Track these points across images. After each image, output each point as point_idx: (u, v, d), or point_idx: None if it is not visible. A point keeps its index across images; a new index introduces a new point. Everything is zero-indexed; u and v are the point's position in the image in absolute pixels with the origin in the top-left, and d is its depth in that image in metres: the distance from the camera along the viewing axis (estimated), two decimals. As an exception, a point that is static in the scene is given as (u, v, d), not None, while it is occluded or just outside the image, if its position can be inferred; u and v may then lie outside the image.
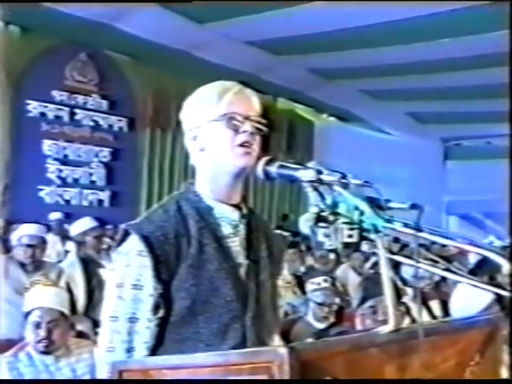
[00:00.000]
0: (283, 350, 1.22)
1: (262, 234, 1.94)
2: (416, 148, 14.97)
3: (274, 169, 1.74)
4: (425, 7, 7.88)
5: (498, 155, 14.51)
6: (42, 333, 3.39)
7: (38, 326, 3.42)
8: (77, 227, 6.74)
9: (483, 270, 6.18)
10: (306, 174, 1.67)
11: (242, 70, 10.28)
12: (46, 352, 3.39)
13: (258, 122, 1.82)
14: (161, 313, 1.73)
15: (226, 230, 1.84)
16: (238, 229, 1.86)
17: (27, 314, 3.48)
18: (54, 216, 8.96)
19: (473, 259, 7.40)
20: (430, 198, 14.17)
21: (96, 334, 4.62)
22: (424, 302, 5.50)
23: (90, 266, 5.86)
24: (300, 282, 6.47)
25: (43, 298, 3.59)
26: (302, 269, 7.47)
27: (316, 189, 1.67)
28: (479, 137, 15.47)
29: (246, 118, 1.80)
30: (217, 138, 1.80)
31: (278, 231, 7.96)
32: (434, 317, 5.57)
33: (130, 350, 1.72)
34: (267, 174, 1.75)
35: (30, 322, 3.44)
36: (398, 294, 3.71)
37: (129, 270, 1.74)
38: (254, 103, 1.85)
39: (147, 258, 1.72)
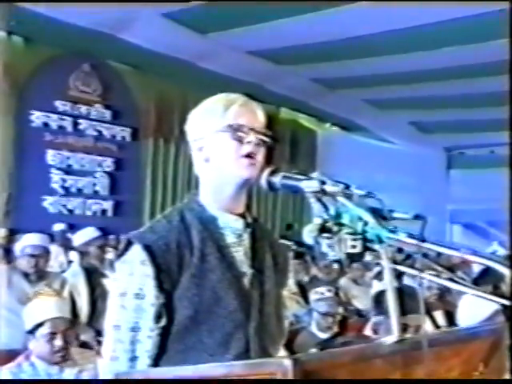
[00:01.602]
0: (287, 362, 1.22)
1: (266, 243, 1.95)
2: (419, 157, 14.95)
3: (277, 179, 1.75)
4: (427, 16, 7.89)
5: (502, 164, 14.48)
6: (59, 343, 3.37)
7: (53, 336, 3.40)
8: (80, 237, 6.73)
9: (487, 279, 6.16)
10: (309, 185, 1.68)
11: (245, 79, 10.30)
12: (62, 362, 3.37)
13: (263, 134, 1.84)
14: (163, 322, 1.74)
15: (230, 239, 1.85)
16: (242, 238, 1.87)
17: (37, 326, 3.46)
18: (58, 227, 8.97)
19: (477, 268, 7.36)
20: (434, 207, 14.15)
21: (99, 343, 4.62)
22: (428, 311, 5.48)
23: (93, 276, 5.85)
24: (303, 291, 6.45)
25: (53, 309, 3.57)
26: (306, 278, 7.46)
27: (319, 199, 1.68)
28: (482, 146, 15.46)
29: (251, 129, 1.82)
30: (222, 149, 1.82)
31: (281, 241, 7.96)
32: (437, 327, 5.56)
33: (133, 359, 1.73)
34: (271, 185, 1.77)
35: (42, 334, 3.41)
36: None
37: (131, 279, 1.74)
38: (258, 115, 1.87)
39: (149, 268, 1.73)
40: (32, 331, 3.45)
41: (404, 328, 3.38)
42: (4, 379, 3.32)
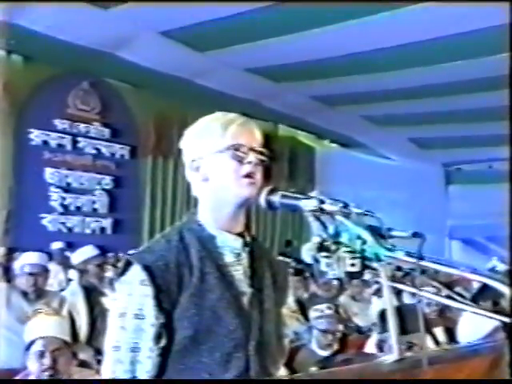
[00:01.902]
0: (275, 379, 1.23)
1: (265, 262, 1.96)
2: (418, 173, 14.96)
3: (276, 198, 1.78)
4: (425, 32, 7.92)
5: (500, 179, 14.49)
6: (47, 362, 3.38)
7: (42, 355, 3.40)
8: (79, 256, 6.72)
9: (486, 295, 6.15)
10: (308, 204, 1.70)
11: (244, 97, 10.34)
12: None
13: (262, 153, 1.86)
14: (163, 342, 1.74)
15: (229, 258, 1.86)
16: (240, 257, 1.88)
17: (30, 344, 3.47)
18: (57, 245, 8.96)
19: (476, 284, 7.36)
20: (433, 222, 14.15)
21: (99, 362, 4.61)
22: (428, 328, 5.47)
23: (92, 295, 5.84)
24: (303, 309, 6.44)
25: (46, 327, 3.58)
26: (306, 295, 7.44)
27: (318, 218, 1.70)
28: (481, 161, 15.48)
29: (251, 149, 1.84)
30: (222, 169, 1.83)
31: (280, 258, 7.96)
32: (437, 343, 5.54)
33: None
34: (270, 204, 1.79)
35: (33, 352, 3.43)
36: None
37: (131, 299, 1.75)
38: (256, 134, 1.89)
39: (149, 288, 1.73)
40: (27, 349, 3.47)
41: (409, 346, 3.38)
42: (4, 379, 3.33)
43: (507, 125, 10.58)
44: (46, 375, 3.36)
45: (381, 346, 3.77)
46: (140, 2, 7.34)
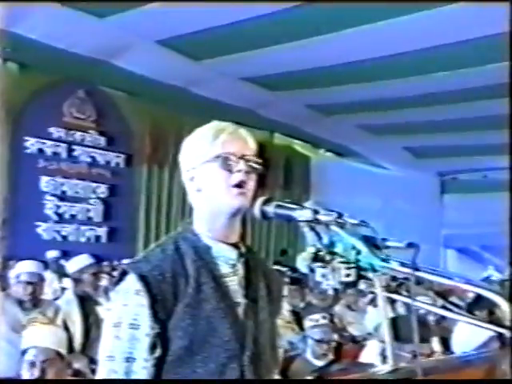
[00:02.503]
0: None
1: (260, 272, 1.95)
2: (413, 182, 14.98)
3: (271, 209, 1.78)
4: (421, 41, 7.94)
5: (495, 188, 14.53)
6: (36, 372, 3.37)
7: (32, 365, 3.40)
8: (74, 265, 6.71)
9: (482, 305, 6.17)
10: (302, 214, 1.71)
11: (239, 105, 10.35)
12: None
13: (254, 161, 1.85)
14: (158, 352, 1.74)
15: (224, 269, 1.86)
16: (236, 268, 1.88)
17: (23, 353, 3.47)
18: (51, 254, 8.94)
19: (471, 294, 7.38)
20: (428, 231, 14.18)
21: (93, 372, 4.59)
22: (429, 337, 5.48)
23: (86, 304, 5.84)
24: (298, 318, 6.43)
25: (39, 337, 3.58)
26: (301, 305, 7.44)
27: (313, 228, 1.71)
28: (476, 170, 15.51)
29: (241, 157, 1.82)
30: (212, 179, 1.83)
31: (276, 267, 7.97)
32: (433, 352, 5.54)
33: None
34: (264, 214, 1.79)
35: (25, 361, 3.42)
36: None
37: (126, 309, 1.74)
38: (249, 142, 1.88)
39: (144, 298, 1.73)
40: (22, 357, 3.48)
41: (414, 355, 3.38)
42: (4, 379, 3.33)
43: (503, 134, 10.61)
44: None
45: (384, 355, 3.77)
46: (136, 11, 7.34)
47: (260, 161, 1.86)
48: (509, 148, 10.80)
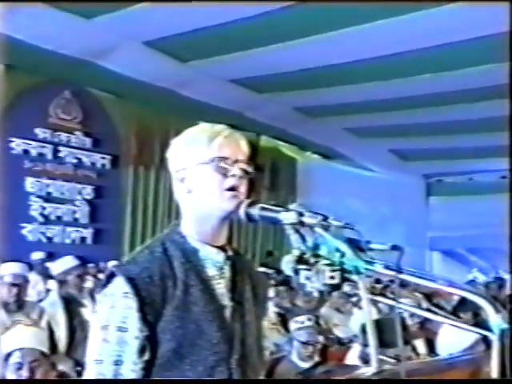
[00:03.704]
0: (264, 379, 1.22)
1: (246, 275, 1.95)
2: (398, 184, 15.02)
3: (256, 211, 1.77)
4: (406, 43, 7.97)
5: (481, 191, 14.62)
6: (25, 373, 3.35)
7: (19, 367, 3.38)
8: (58, 266, 6.68)
9: (466, 307, 6.19)
10: (287, 217, 1.70)
11: (226, 107, 10.33)
12: None
13: (247, 166, 1.84)
14: (146, 355, 1.72)
15: (211, 271, 1.85)
16: (222, 271, 1.87)
17: (8, 356, 3.44)
18: (37, 256, 8.89)
19: (456, 296, 7.41)
20: (414, 234, 14.23)
21: (78, 374, 4.57)
22: (409, 340, 5.48)
23: (71, 306, 5.80)
24: (284, 320, 6.42)
25: (23, 339, 3.56)
26: (288, 305, 7.44)
27: (297, 231, 1.70)
28: (461, 173, 15.58)
29: (235, 161, 1.82)
30: (205, 181, 1.82)
31: (262, 269, 7.97)
32: (418, 355, 5.56)
33: None
34: (249, 217, 1.78)
35: (11, 364, 3.40)
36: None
37: (114, 311, 1.72)
38: (243, 147, 1.87)
39: (132, 300, 1.71)
40: (5, 360, 3.44)
41: (397, 359, 3.38)
42: (4, 379, 3.31)
43: (489, 137, 10.67)
44: None
45: (364, 358, 3.78)
46: (123, 12, 7.33)
47: (253, 166, 1.85)
48: (509, 150, 10.81)
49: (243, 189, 1.82)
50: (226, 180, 1.80)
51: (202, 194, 1.82)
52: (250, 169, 1.84)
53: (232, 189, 1.80)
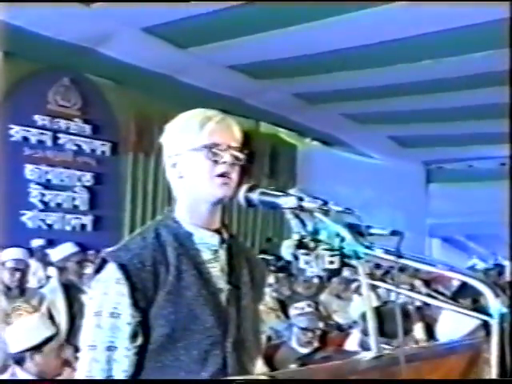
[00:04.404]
0: (264, 379, 1.22)
1: (243, 259, 1.94)
2: (398, 171, 15.01)
3: (255, 196, 1.76)
4: (406, 29, 7.94)
5: (480, 178, 14.61)
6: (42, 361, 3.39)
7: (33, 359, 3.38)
8: (58, 253, 6.68)
9: (466, 293, 6.18)
10: (287, 201, 1.69)
11: (225, 94, 10.31)
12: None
13: (239, 152, 1.83)
14: (139, 341, 1.73)
15: (206, 255, 1.84)
16: (217, 254, 1.86)
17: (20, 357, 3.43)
18: (37, 243, 8.89)
19: (456, 282, 7.41)
20: (413, 221, 14.22)
21: (78, 360, 4.57)
22: (410, 329, 5.48)
23: (71, 292, 5.80)
24: (284, 306, 6.43)
25: (31, 334, 3.54)
26: (288, 293, 7.45)
27: (297, 216, 1.70)
28: (461, 160, 15.57)
29: (227, 147, 1.81)
30: (196, 167, 1.82)
31: (262, 255, 7.97)
32: (416, 341, 5.55)
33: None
34: (249, 201, 1.77)
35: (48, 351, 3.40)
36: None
37: (106, 298, 1.73)
38: (235, 132, 1.86)
39: (124, 286, 1.72)
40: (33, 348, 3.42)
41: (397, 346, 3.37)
42: (4, 379, 3.30)
43: (489, 123, 10.65)
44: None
45: (364, 346, 3.78)
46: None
47: (245, 152, 1.84)
48: (509, 137, 10.79)
49: (234, 175, 1.81)
50: (216, 166, 1.79)
51: (193, 179, 1.82)
52: (241, 155, 1.83)
53: (223, 175, 1.79)
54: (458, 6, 6.87)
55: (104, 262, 1.76)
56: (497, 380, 1.49)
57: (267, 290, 5.27)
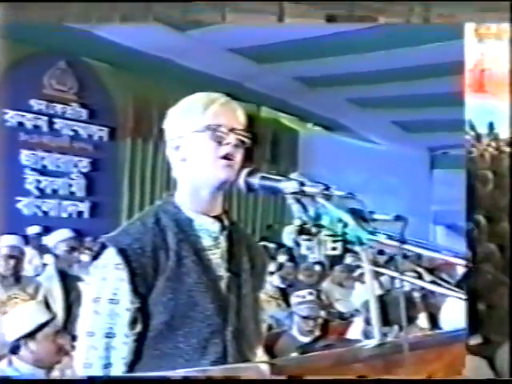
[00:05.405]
0: (264, 367, 1.25)
1: (243, 246, 1.95)
2: (402, 157, 14.98)
3: (256, 180, 1.78)
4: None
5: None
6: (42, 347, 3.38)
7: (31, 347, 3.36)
8: (53, 238, 6.66)
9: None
10: (288, 186, 1.70)
11: (225, 77, 10.22)
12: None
13: (243, 135, 1.83)
14: (138, 328, 1.73)
15: (206, 242, 1.85)
16: (218, 241, 1.87)
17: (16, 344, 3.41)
18: (32, 230, 8.83)
19: (461, 270, 7.35)
20: (417, 207, 14.16)
21: (75, 348, 4.50)
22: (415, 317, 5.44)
23: (68, 280, 5.78)
24: (285, 294, 6.42)
25: (27, 321, 3.51)
26: (288, 281, 7.42)
27: (299, 200, 1.69)
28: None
29: (231, 130, 1.81)
30: (199, 149, 1.82)
31: (262, 243, 7.94)
32: (420, 329, 5.51)
33: (107, 366, 1.72)
34: (249, 186, 1.79)
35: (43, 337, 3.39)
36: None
37: (105, 283, 1.74)
38: (239, 115, 1.87)
39: (124, 272, 1.72)
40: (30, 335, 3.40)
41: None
42: (4, 379, 3.27)
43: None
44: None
45: (366, 334, 3.77)
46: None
47: (249, 135, 1.85)
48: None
49: (238, 158, 1.82)
50: (220, 148, 1.81)
51: (197, 161, 1.83)
52: (246, 138, 1.85)
53: (226, 157, 1.80)
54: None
55: (103, 246, 1.77)
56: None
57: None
